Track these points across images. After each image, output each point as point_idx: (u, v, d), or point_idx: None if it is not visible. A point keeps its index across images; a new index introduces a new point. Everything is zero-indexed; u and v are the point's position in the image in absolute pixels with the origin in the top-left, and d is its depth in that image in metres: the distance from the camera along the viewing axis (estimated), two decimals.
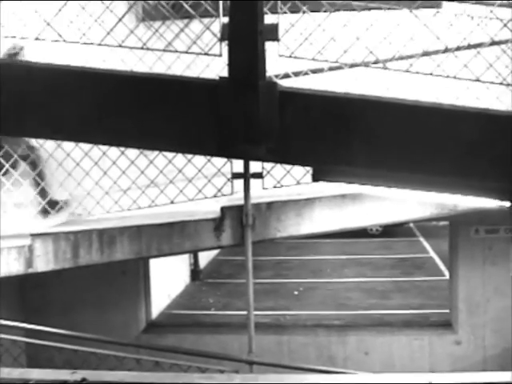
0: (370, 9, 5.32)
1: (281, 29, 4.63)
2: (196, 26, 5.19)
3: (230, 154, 4.99)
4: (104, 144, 5.70)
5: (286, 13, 5.00)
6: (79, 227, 6.81)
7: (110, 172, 6.70)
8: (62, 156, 6.82)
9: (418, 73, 4.93)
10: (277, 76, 5.98)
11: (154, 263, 11.41)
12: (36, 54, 5.94)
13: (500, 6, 5.35)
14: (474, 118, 4.57)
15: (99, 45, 5.15)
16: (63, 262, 6.71)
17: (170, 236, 6.57)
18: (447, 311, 11.02)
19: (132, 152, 6.34)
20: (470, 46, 5.66)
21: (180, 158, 6.25)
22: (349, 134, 4.36)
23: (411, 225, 20.01)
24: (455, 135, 4.47)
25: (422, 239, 19.64)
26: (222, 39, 4.34)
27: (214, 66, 5.37)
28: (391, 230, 19.04)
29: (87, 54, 6.16)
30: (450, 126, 4.50)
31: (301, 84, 6.32)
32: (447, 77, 5.07)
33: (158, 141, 4.49)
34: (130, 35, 5.56)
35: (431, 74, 5.00)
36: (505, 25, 5.53)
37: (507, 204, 4.66)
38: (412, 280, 14.73)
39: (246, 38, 4.23)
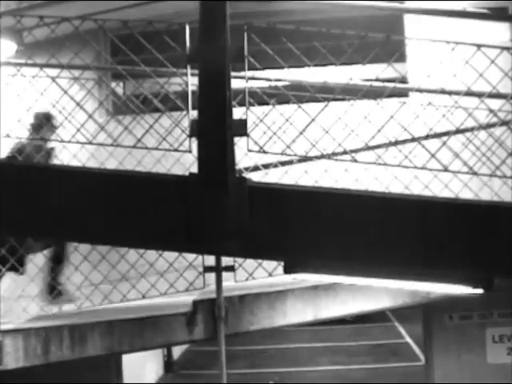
0: (338, 99, 5.39)
1: (249, 122, 4.66)
2: (166, 119, 5.24)
3: (200, 250, 5.00)
4: (72, 241, 5.70)
5: (253, 105, 5.05)
6: (50, 323, 6.72)
7: (81, 267, 6.67)
8: None
9: (386, 164, 4.98)
10: (246, 169, 6.03)
11: (126, 356, 11.24)
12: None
13: (466, 95, 5.45)
14: (442, 207, 4.62)
15: (69, 142, 5.16)
16: (34, 359, 6.60)
17: (142, 331, 6.50)
18: None
19: (103, 247, 6.32)
20: (436, 135, 5.74)
21: (151, 252, 6.23)
22: (318, 228, 4.40)
23: None
24: (424, 225, 4.51)
25: (397, 324, 19.56)
26: (191, 135, 4.37)
27: (185, 160, 5.40)
28: (365, 316, 18.98)
29: (57, 150, 6.20)
30: (419, 217, 4.54)
31: (271, 175, 6.38)
32: (415, 167, 5.12)
33: (128, 238, 4.49)
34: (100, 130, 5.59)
35: (399, 166, 5.05)
36: (469, 114, 5.63)
37: (479, 291, 4.67)
38: (387, 366, 14.62)
39: (215, 134, 4.28)
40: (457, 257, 4.50)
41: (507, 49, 5.15)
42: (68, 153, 6.17)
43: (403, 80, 6.35)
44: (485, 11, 8.57)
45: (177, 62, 4.94)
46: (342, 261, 4.47)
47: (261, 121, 4.72)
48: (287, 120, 4.74)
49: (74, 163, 6.18)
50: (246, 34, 4.64)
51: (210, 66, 4.30)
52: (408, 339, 17.28)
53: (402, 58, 6.18)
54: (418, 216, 4.54)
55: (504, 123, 6.12)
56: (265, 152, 4.69)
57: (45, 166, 4.98)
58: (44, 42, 5.68)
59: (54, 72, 5.73)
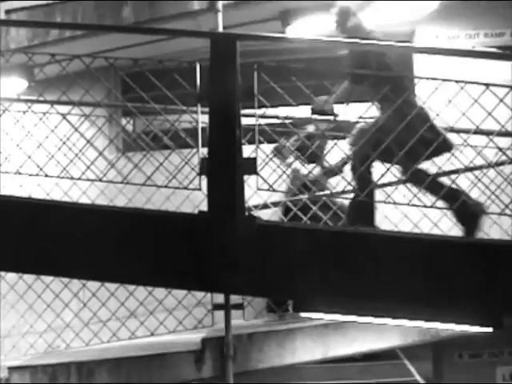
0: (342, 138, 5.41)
1: (259, 160, 4.68)
2: (176, 157, 5.25)
3: (209, 288, 4.99)
4: (81, 278, 5.70)
5: (263, 143, 5.07)
6: (57, 360, 6.70)
7: (90, 303, 6.66)
8: (41, 288, 6.79)
9: (395, 203, 4.98)
10: (256, 207, 6.02)
11: None
12: (15, 187, 5.98)
13: (474, 133, 5.45)
14: (452, 246, 4.61)
15: (79, 179, 5.18)
16: None
17: (150, 368, 6.46)
18: None
19: (112, 283, 6.31)
20: (445, 174, 5.74)
21: (160, 289, 6.22)
22: (327, 266, 4.39)
23: None
24: (433, 264, 4.50)
25: (406, 362, 19.40)
26: (200, 173, 4.38)
27: (194, 197, 5.41)
28: (375, 353, 18.80)
29: (67, 186, 6.21)
30: (428, 255, 4.53)
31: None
32: (424, 206, 5.12)
33: (137, 275, 4.49)
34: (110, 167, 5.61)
35: (408, 204, 5.05)
36: (478, 153, 5.63)
37: (489, 329, 4.65)
38: None
39: (225, 173, 4.30)
40: (466, 295, 4.48)
41: None
42: (78, 190, 6.19)
43: None
44: (493, 50, 8.62)
45: (187, 99, 4.96)
46: (351, 300, 4.46)
47: (270, 159, 4.72)
48: (297, 158, 4.74)
49: (84, 200, 6.20)
50: (255, 73, 4.67)
51: (220, 104, 4.33)
52: (418, 377, 17.11)
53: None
54: (427, 254, 4.53)
55: None
56: (274, 190, 4.70)
57: (54, 204, 4.99)
58: (55, 78, 5.72)
59: (64, 109, 5.77)
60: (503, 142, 5.68)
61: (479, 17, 8.84)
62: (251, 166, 4.38)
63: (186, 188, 4.77)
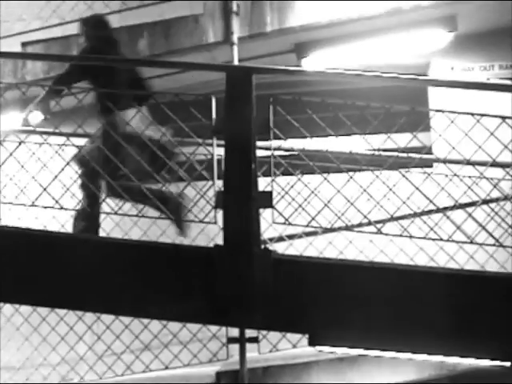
0: (363, 170, 5.39)
1: (274, 193, 4.67)
2: (191, 189, 5.24)
3: (225, 322, 4.96)
4: (96, 312, 5.68)
5: (279, 175, 5.06)
6: None
7: (104, 336, 6.64)
8: (55, 320, 6.78)
9: (411, 236, 4.95)
10: (271, 239, 6.01)
11: None
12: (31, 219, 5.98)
13: (491, 166, 5.42)
14: (469, 280, 4.57)
15: (73, 210, 5.20)
16: None
17: None
18: None
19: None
20: (461, 206, 5.71)
21: (174, 322, 6.20)
22: (343, 300, 4.36)
23: None
24: (450, 298, 4.46)
25: None
26: (216, 207, 4.37)
27: (209, 230, 5.39)
28: None
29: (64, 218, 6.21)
30: (445, 289, 4.49)
31: (296, 245, 6.35)
32: (440, 239, 5.08)
33: (152, 308, 4.47)
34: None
35: (424, 238, 5.02)
36: (494, 186, 5.60)
37: (507, 363, 4.59)
38: None
39: (240, 206, 4.29)
40: (484, 330, 4.44)
41: (503, 118, 5.13)
42: None
43: (428, 151, 6.35)
44: (508, 82, 8.61)
45: (203, 131, 4.97)
46: (368, 334, 4.43)
47: (286, 193, 4.71)
48: (312, 192, 4.73)
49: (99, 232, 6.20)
50: (271, 107, 4.68)
51: (235, 138, 4.34)
52: None
53: (426, 127, 6.18)
54: (444, 288, 4.49)
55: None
56: (290, 224, 4.69)
57: (69, 236, 5.00)
58: (71, 111, 5.74)
59: (80, 141, 5.79)
60: (496, 173, 5.67)
61: (494, 48, 8.84)
62: (267, 200, 4.38)
63: (201, 221, 4.76)
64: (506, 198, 5.70)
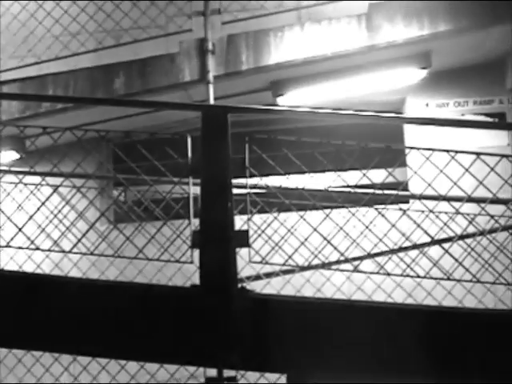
0: (339, 207, 5.41)
1: (250, 231, 4.67)
2: (168, 229, 5.22)
3: (202, 363, 4.92)
4: (71, 353, 5.63)
5: (255, 214, 5.06)
6: None
7: (81, 377, 6.59)
8: (31, 361, 6.72)
9: (388, 274, 4.96)
10: (248, 278, 5.99)
11: None
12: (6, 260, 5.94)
13: (467, 201, 5.46)
14: (448, 317, 4.57)
15: (70, 252, 5.14)
16: None
17: None
18: None
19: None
20: (438, 242, 5.73)
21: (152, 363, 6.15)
22: (321, 339, 4.35)
23: None
24: (428, 335, 4.46)
25: None
26: (192, 246, 4.36)
27: (186, 269, 5.38)
28: None
29: (58, 258, 6.18)
30: (424, 327, 4.49)
31: (273, 283, 6.34)
32: (418, 276, 5.09)
33: (128, 350, 4.43)
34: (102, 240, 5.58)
35: (401, 275, 5.02)
36: (470, 222, 5.63)
37: None
38: None
39: (217, 246, 4.27)
40: (464, 367, 4.43)
41: (506, 156, 5.18)
42: (69, 262, 6.15)
43: (404, 187, 6.37)
44: (483, 118, 8.70)
45: (179, 169, 4.97)
46: (346, 373, 4.40)
47: (263, 232, 4.71)
48: (289, 230, 4.73)
49: (75, 272, 6.16)
50: (247, 146, 4.69)
51: (211, 177, 4.33)
52: None
53: (402, 163, 6.22)
54: (423, 326, 4.49)
55: (505, 229, 6.11)
56: (267, 263, 4.68)
57: (44, 277, 4.96)
58: (46, 150, 5.72)
59: (56, 180, 5.76)
60: (495, 209, 5.69)
61: (468, 84, 8.93)
62: (243, 239, 4.38)
63: (178, 261, 4.74)
64: (481, 233, 5.71)
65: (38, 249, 5.21)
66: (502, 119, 8.85)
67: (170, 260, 4.84)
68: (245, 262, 4.78)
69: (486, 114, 8.88)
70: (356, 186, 5.63)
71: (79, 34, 8.03)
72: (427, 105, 8.85)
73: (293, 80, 8.20)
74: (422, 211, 5.84)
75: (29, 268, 5.80)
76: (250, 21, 7.90)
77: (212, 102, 7.32)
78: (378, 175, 5.81)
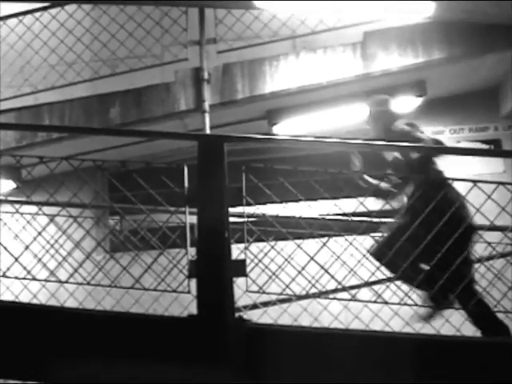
0: (337, 235, 5.41)
1: (247, 260, 4.66)
2: (165, 259, 5.21)
3: None
4: (64, 382, 5.58)
5: (252, 242, 5.05)
6: None
7: None
8: None
9: (386, 303, 4.96)
10: (245, 307, 5.95)
11: None
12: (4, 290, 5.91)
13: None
14: (444, 344, 4.56)
15: (66, 282, 5.13)
16: None
17: None
18: None
19: None
20: None
21: None
22: (319, 368, 4.33)
23: None
24: (426, 363, 4.45)
25: None
26: (189, 276, 4.35)
27: (183, 299, 5.35)
28: None
29: (54, 287, 6.13)
30: (421, 354, 4.48)
31: (270, 312, 6.31)
32: (415, 304, 5.09)
33: (124, 379, 4.40)
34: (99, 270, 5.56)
35: (399, 304, 5.02)
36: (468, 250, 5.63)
37: None
38: None
39: (214, 276, 4.26)
40: None
41: (503, 184, 5.19)
42: (65, 292, 6.11)
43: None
44: (478, 146, 8.73)
45: (176, 198, 4.96)
46: None
47: (259, 261, 4.70)
48: (286, 260, 4.73)
49: (71, 302, 6.12)
50: (244, 175, 4.69)
51: (208, 207, 4.33)
52: None
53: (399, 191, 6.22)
54: (420, 353, 4.47)
55: (503, 256, 6.11)
56: (264, 292, 4.67)
57: (41, 308, 4.93)
58: (43, 179, 5.72)
59: (52, 210, 5.75)
60: (492, 236, 5.69)
61: (463, 111, 8.98)
62: (240, 268, 4.37)
63: (174, 291, 4.73)
64: (479, 260, 5.72)
65: (34, 279, 5.19)
66: (498, 146, 8.89)
67: (166, 290, 4.83)
68: (242, 292, 4.77)
69: (482, 141, 8.92)
70: (353, 214, 5.63)
71: (75, 64, 8.04)
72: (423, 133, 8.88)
73: (288, 109, 8.23)
74: None
75: (25, 298, 5.75)
76: (245, 50, 7.92)
77: (208, 131, 7.33)
78: (374, 203, 5.82)
